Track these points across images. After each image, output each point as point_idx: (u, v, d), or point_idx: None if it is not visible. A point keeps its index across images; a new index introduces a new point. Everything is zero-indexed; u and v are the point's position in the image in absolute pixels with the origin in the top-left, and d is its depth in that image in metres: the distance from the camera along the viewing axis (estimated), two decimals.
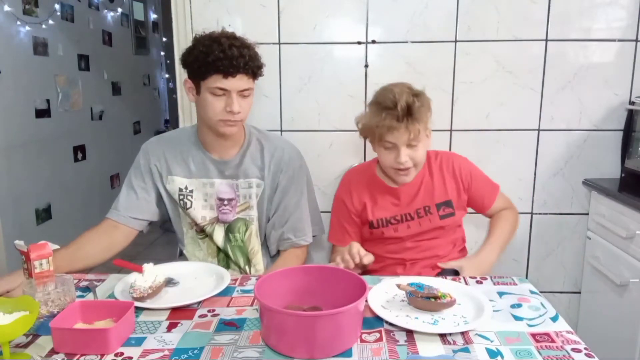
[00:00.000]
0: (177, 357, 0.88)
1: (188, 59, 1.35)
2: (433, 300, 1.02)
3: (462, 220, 1.57)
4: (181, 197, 1.47)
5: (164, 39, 5.30)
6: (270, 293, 0.94)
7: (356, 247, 1.29)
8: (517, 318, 1.01)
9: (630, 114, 1.89)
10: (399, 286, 1.06)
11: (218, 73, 1.30)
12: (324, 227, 1.60)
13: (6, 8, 2.82)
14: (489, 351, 0.89)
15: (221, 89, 1.31)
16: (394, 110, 1.34)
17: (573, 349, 0.90)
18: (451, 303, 1.02)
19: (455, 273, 1.38)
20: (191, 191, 1.46)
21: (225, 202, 1.46)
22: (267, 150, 1.47)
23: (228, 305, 1.08)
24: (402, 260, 1.52)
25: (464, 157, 1.58)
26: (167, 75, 5.42)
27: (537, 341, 0.92)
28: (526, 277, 1.98)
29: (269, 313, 0.90)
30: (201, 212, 1.47)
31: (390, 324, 0.98)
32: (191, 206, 1.46)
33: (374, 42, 1.92)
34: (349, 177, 1.61)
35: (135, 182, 1.48)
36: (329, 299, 0.99)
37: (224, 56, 1.28)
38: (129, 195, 1.47)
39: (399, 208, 1.50)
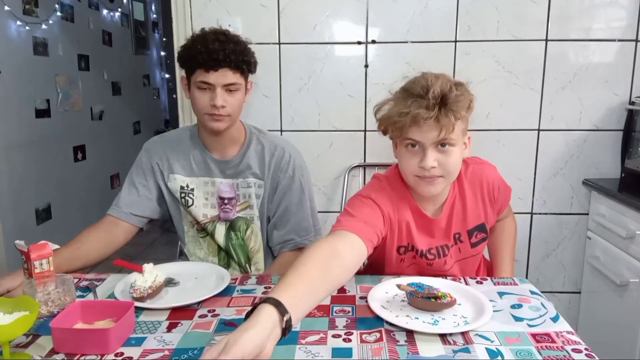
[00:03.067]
0: (177, 357, 0.88)
1: (179, 56, 1.39)
2: (433, 300, 1.01)
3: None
4: (182, 194, 1.47)
5: (164, 39, 5.30)
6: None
7: None
8: (517, 318, 1.01)
9: (630, 114, 1.89)
10: (399, 286, 1.06)
11: (200, 67, 1.32)
12: (320, 228, 1.59)
13: (6, 8, 2.82)
14: (489, 351, 0.89)
15: (205, 82, 1.33)
16: (424, 99, 1.05)
17: (574, 349, 0.90)
18: (451, 303, 1.02)
19: None
20: (192, 189, 1.47)
21: (226, 201, 1.47)
22: (268, 150, 1.47)
23: (228, 305, 1.08)
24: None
25: (492, 165, 1.30)
26: (167, 75, 5.42)
27: (538, 341, 0.92)
28: (526, 277, 1.98)
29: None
30: (202, 210, 1.47)
31: (391, 324, 0.98)
32: (192, 204, 1.47)
33: (374, 42, 1.92)
34: (385, 188, 1.20)
35: (136, 180, 1.48)
36: None
37: (205, 50, 1.29)
38: (130, 192, 1.47)
39: (435, 241, 1.23)
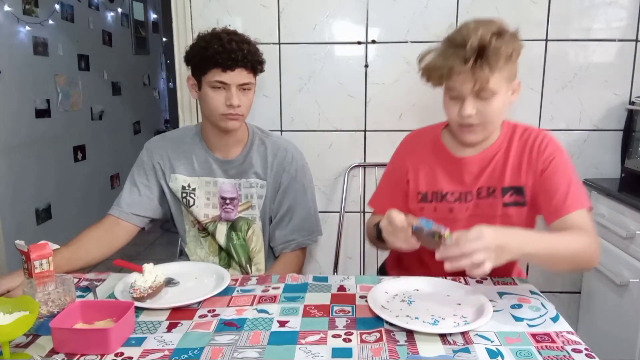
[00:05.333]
0: (177, 357, 0.88)
1: (189, 55, 1.38)
2: (437, 239, 0.94)
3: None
4: (184, 194, 1.47)
5: (164, 39, 5.30)
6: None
7: (397, 217, 1.00)
8: (517, 318, 1.01)
9: (630, 114, 1.89)
10: (406, 216, 0.99)
11: (217, 67, 1.32)
12: (321, 229, 1.59)
13: (6, 8, 2.82)
14: (489, 351, 0.89)
15: (220, 82, 1.33)
16: (462, 50, 1.06)
17: (573, 349, 0.90)
18: (445, 237, 0.94)
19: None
20: (194, 189, 1.47)
21: (228, 201, 1.47)
22: (270, 150, 1.47)
23: (228, 305, 1.08)
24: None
25: (560, 145, 1.21)
26: (167, 75, 5.42)
27: (538, 341, 0.92)
28: (526, 277, 1.98)
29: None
30: (204, 210, 1.47)
31: (391, 324, 0.98)
32: (194, 204, 1.47)
33: (374, 42, 1.92)
34: (409, 139, 1.38)
35: (138, 179, 1.48)
36: None
37: (223, 50, 1.30)
38: (131, 191, 1.47)
39: (461, 185, 1.24)
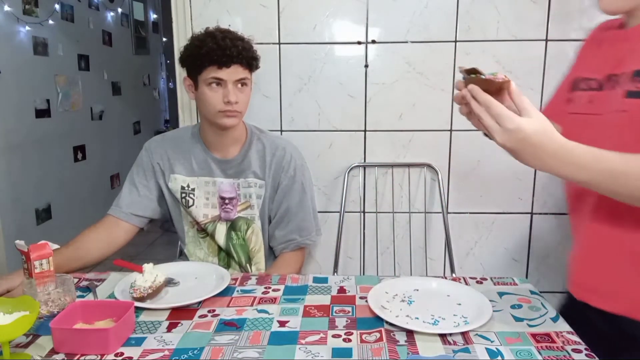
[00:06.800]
0: (177, 357, 0.88)
1: (184, 56, 1.39)
2: (474, 75, 0.84)
3: None
4: (183, 195, 1.47)
5: (164, 39, 5.30)
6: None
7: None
8: (517, 318, 1.01)
9: None
10: (460, 68, 0.89)
11: (212, 64, 1.33)
12: (320, 229, 1.59)
13: (6, 8, 2.82)
14: (489, 351, 0.89)
15: (217, 79, 1.34)
16: None
17: (574, 350, 0.90)
18: (500, 81, 0.81)
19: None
20: (193, 189, 1.47)
21: (227, 201, 1.47)
22: (269, 150, 1.47)
23: (228, 305, 1.08)
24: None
25: None
26: (167, 75, 5.42)
27: (538, 341, 0.92)
28: (526, 277, 1.98)
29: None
30: (203, 210, 1.47)
31: (391, 324, 0.98)
32: (193, 204, 1.47)
33: (374, 42, 1.92)
34: (595, 29, 1.10)
35: (137, 179, 1.48)
36: None
37: (217, 47, 1.31)
38: (131, 192, 1.47)
39: (597, 70, 0.96)
